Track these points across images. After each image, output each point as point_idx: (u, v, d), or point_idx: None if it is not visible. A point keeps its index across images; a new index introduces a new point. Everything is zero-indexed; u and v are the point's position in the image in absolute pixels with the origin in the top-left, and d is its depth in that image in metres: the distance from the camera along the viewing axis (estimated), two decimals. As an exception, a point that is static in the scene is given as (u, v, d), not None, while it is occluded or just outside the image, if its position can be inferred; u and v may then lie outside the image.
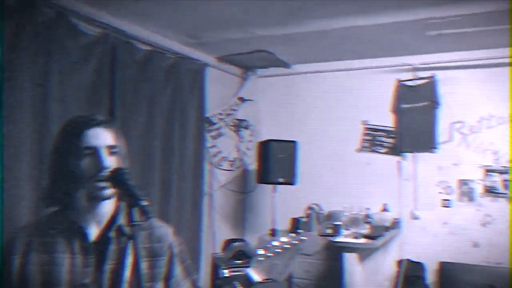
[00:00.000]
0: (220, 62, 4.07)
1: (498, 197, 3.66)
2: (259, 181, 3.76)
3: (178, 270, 1.40)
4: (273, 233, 3.68)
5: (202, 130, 3.74)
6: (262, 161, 3.72)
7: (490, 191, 3.68)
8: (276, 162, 3.63)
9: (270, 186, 3.78)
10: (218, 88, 4.06)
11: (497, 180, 3.67)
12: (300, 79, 4.38)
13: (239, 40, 3.54)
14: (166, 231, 1.43)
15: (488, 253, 3.63)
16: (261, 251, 1.32)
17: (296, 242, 1.33)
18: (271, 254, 1.31)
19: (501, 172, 3.66)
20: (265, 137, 4.05)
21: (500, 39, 3.39)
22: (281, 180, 3.64)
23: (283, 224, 3.95)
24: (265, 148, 3.69)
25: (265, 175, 3.67)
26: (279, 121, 4.42)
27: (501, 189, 3.65)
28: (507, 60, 3.59)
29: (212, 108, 3.97)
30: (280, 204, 3.80)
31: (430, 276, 3.72)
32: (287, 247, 1.32)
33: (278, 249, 1.32)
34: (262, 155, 3.72)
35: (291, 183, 3.68)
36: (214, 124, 4.03)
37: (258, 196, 4.26)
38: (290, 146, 3.72)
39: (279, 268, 1.32)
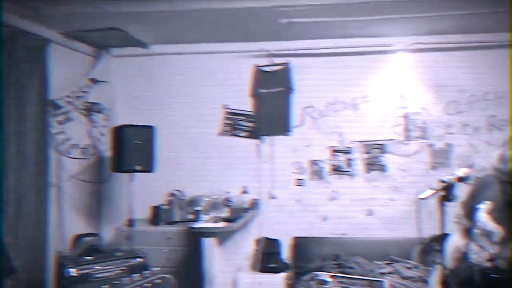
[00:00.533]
0: (67, 38, 3.66)
1: (343, 174, 4.05)
2: (115, 169, 3.52)
3: None
4: (131, 223, 3.50)
5: (45, 114, 3.33)
6: (117, 148, 3.48)
7: (336, 169, 4.05)
8: (132, 148, 3.42)
9: (127, 174, 3.57)
10: (66, 67, 3.68)
11: (342, 159, 4.05)
12: (159, 61, 4.20)
13: (88, 16, 3.22)
14: None
15: (335, 225, 4.01)
16: None
17: None
18: None
19: (345, 152, 4.04)
20: (121, 122, 3.78)
21: (343, 30, 3.69)
22: (138, 167, 3.45)
23: (144, 213, 3.81)
24: (120, 134, 3.45)
25: (121, 163, 3.44)
26: (137, 104, 4.19)
27: (345, 167, 4.04)
28: (350, 50, 3.94)
29: (59, 90, 3.57)
30: (140, 192, 3.62)
31: (286, 251, 3.96)
32: None
33: None
34: (117, 142, 3.47)
35: (149, 171, 3.52)
36: (61, 107, 3.63)
37: (114, 186, 4.01)
38: (147, 132, 3.54)
39: None
